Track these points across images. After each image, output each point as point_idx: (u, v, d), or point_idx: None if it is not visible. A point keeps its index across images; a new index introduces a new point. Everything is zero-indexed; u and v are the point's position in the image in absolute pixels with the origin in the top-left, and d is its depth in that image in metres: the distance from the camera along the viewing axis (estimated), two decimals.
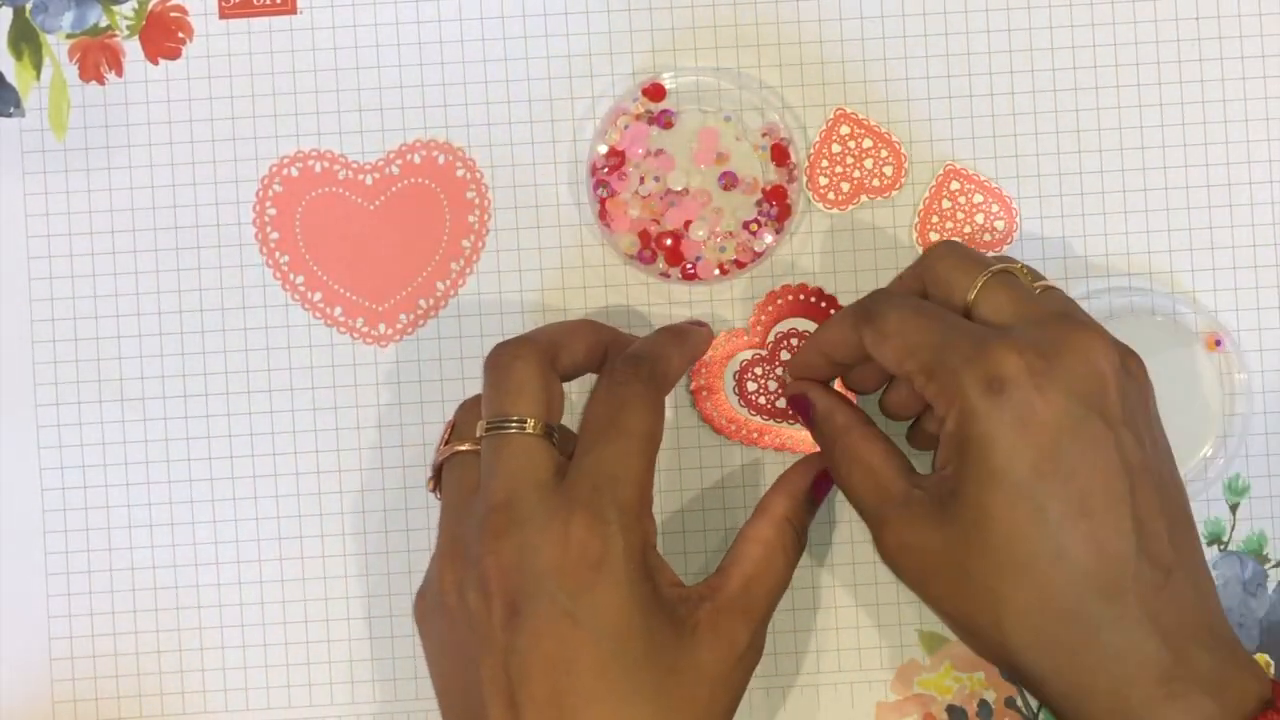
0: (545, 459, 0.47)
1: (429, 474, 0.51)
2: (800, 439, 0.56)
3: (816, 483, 0.51)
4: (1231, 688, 0.44)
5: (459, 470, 0.49)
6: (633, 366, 0.49)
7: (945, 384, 0.46)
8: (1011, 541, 0.44)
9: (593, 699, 0.44)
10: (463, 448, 0.49)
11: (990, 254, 0.53)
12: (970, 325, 0.47)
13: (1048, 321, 0.46)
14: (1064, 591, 0.44)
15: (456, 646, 0.47)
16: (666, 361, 0.50)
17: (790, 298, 0.56)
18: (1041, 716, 0.56)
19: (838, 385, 0.54)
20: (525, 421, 0.47)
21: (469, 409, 0.50)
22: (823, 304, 0.56)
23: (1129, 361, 0.47)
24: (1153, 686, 0.44)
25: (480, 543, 0.46)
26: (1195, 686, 0.44)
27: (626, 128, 0.56)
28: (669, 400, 0.56)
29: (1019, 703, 0.56)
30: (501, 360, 0.49)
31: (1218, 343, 0.56)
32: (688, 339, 0.53)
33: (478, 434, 0.48)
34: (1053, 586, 0.44)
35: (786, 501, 0.50)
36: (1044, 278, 0.50)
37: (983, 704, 0.56)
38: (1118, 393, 0.45)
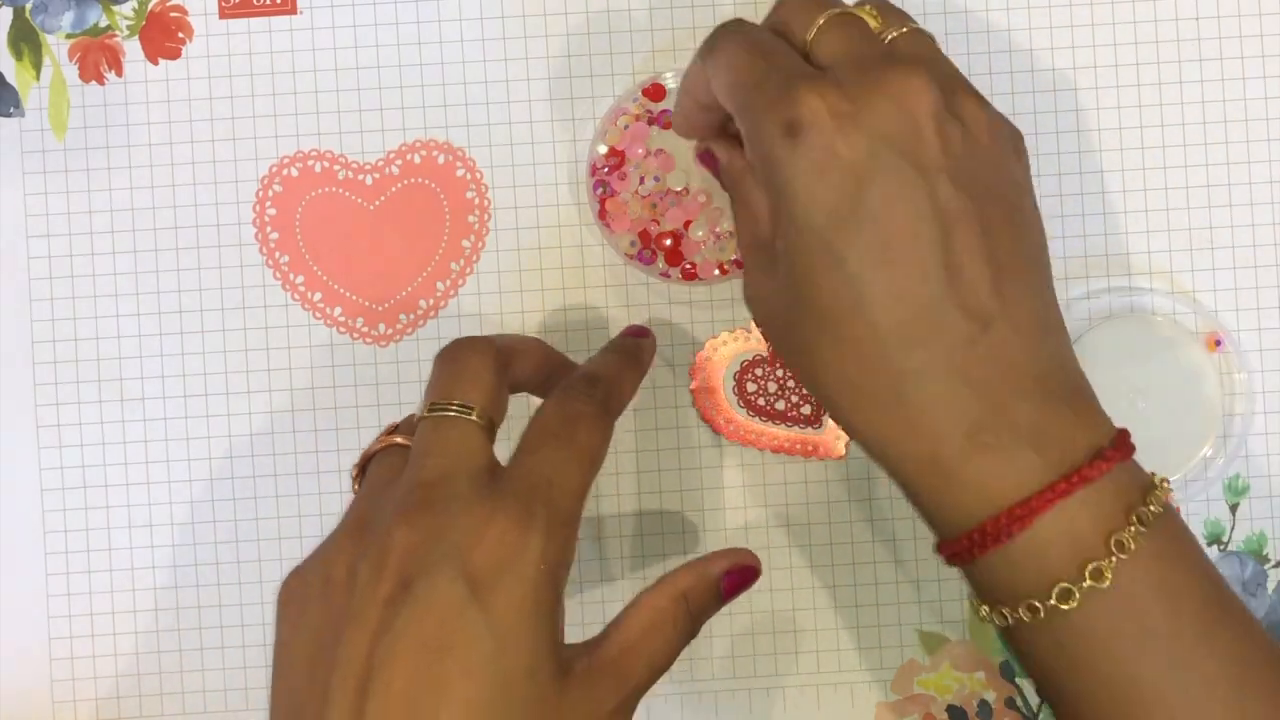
0: (483, 450, 0.45)
1: (355, 470, 0.48)
2: (800, 440, 0.56)
3: (729, 574, 0.47)
4: (1057, 439, 0.42)
5: (387, 462, 0.46)
6: (588, 386, 0.47)
7: (749, 127, 0.44)
8: (815, 293, 0.43)
9: (450, 702, 0.41)
10: (400, 440, 0.47)
11: None
12: (790, 65, 0.44)
13: (869, 62, 0.44)
14: (867, 343, 0.42)
15: (319, 629, 0.43)
16: (620, 387, 0.49)
17: None
18: (1041, 716, 0.56)
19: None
20: (470, 409, 0.45)
21: (413, 418, 0.48)
22: None
23: (960, 105, 0.44)
24: (962, 439, 0.42)
25: (394, 516, 0.43)
26: (1011, 438, 0.42)
27: (626, 128, 0.56)
28: (668, 400, 0.56)
29: (1019, 703, 0.56)
30: (457, 352, 0.47)
31: (1218, 343, 0.56)
32: (639, 360, 0.52)
33: (416, 417, 0.46)
34: (857, 338, 0.43)
35: (691, 579, 0.46)
36: (912, 23, 0.46)
37: (983, 704, 0.56)
38: (935, 135, 0.43)
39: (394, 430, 0.48)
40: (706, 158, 0.50)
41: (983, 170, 0.44)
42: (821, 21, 0.45)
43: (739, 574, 0.47)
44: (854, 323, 0.43)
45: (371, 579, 0.42)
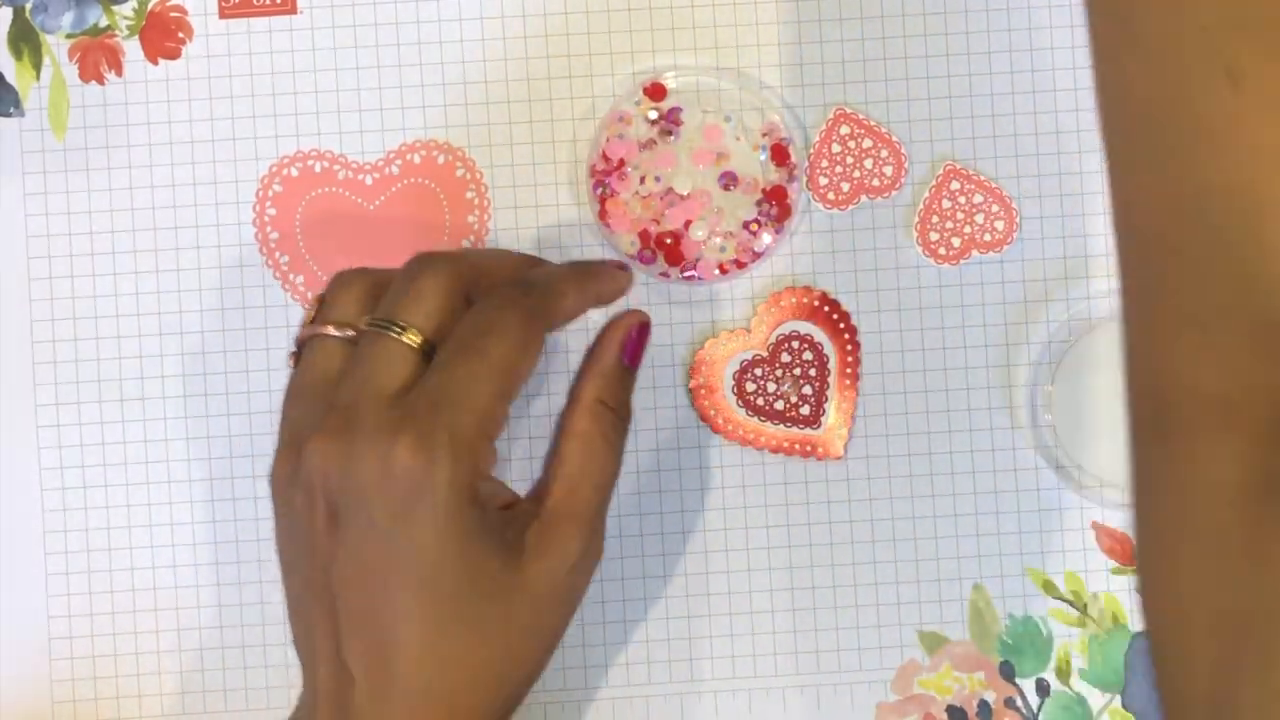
0: (407, 371, 0.45)
1: (290, 357, 0.49)
2: (799, 440, 0.56)
3: (625, 347, 0.49)
4: None
5: (319, 355, 0.47)
6: (518, 291, 0.46)
7: None
8: None
9: (407, 619, 0.43)
10: (330, 331, 0.47)
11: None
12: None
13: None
14: None
15: (291, 541, 0.46)
16: (559, 297, 0.47)
17: (795, 300, 0.56)
18: (1041, 716, 0.56)
19: None
20: (407, 330, 0.45)
21: (344, 286, 0.48)
22: (826, 308, 0.56)
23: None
24: None
25: (313, 438, 0.44)
26: None
27: (627, 128, 0.56)
28: (668, 400, 0.56)
29: (1019, 703, 0.56)
30: (414, 268, 0.47)
31: None
32: (594, 279, 0.50)
33: (361, 324, 0.46)
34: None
35: (597, 381, 0.48)
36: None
37: (983, 704, 0.56)
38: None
39: (319, 312, 0.48)
40: None
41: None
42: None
43: (635, 341, 0.49)
44: None
45: (306, 504, 0.44)
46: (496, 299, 0.46)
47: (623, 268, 0.52)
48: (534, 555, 0.45)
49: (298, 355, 0.48)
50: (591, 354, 0.49)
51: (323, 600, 0.44)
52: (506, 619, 0.44)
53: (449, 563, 0.43)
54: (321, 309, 0.48)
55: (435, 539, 0.43)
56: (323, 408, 0.45)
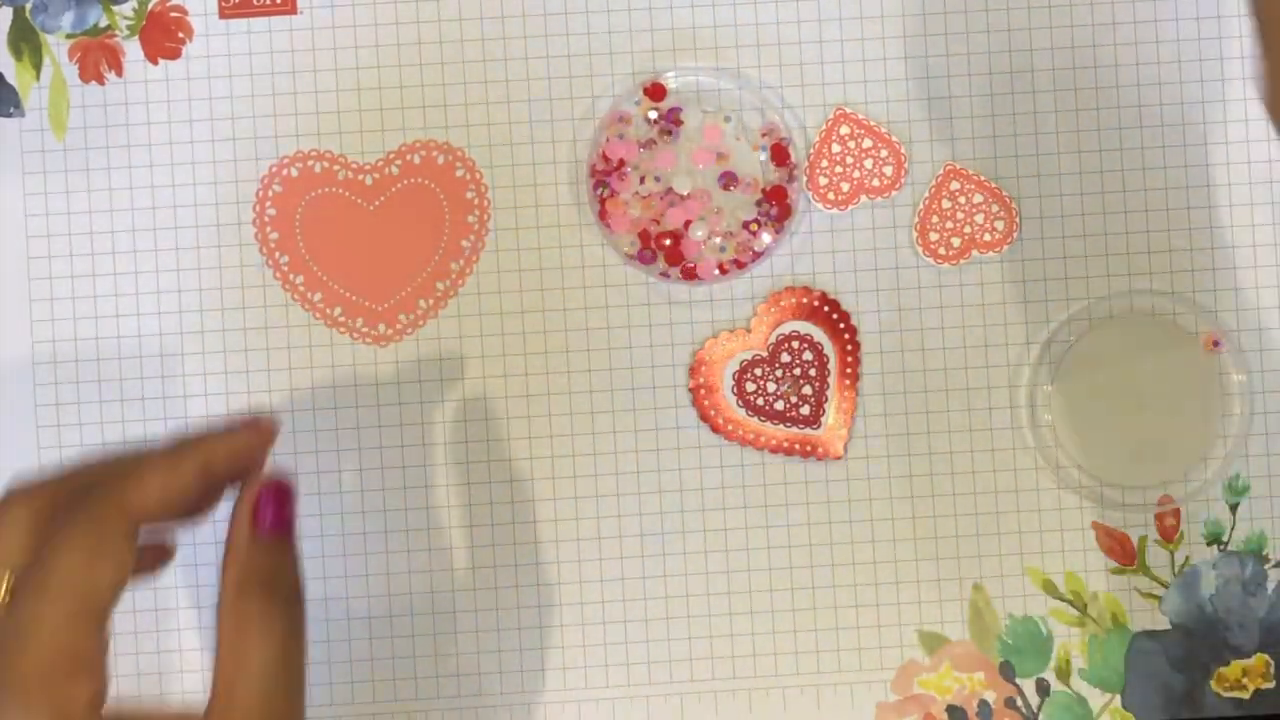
0: None
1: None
2: (800, 440, 0.56)
3: (255, 516, 0.41)
4: None
5: None
6: (80, 499, 0.40)
7: None
8: None
9: None
10: None
11: None
12: None
13: None
14: None
15: None
16: (136, 486, 0.40)
17: (795, 300, 0.56)
18: (1041, 717, 0.56)
19: None
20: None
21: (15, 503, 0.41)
22: (826, 308, 0.56)
23: None
24: None
25: None
26: None
27: (627, 128, 0.56)
28: (668, 400, 0.56)
29: (1019, 703, 0.56)
30: None
31: (1216, 343, 0.56)
32: (192, 451, 0.42)
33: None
34: None
35: (231, 562, 0.41)
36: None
37: (982, 704, 0.56)
38: None
39: None
40: None
41: None
42: None
43: (271, 504, 0.42)
44: None
45: None
46: (60, 517, 0.39)
47: (254, 423, 0.43)
48: None
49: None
50: (229, 529, 0.42)
51: None
52: None
53: None
54: None
55: None
56: None
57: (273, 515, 0.42)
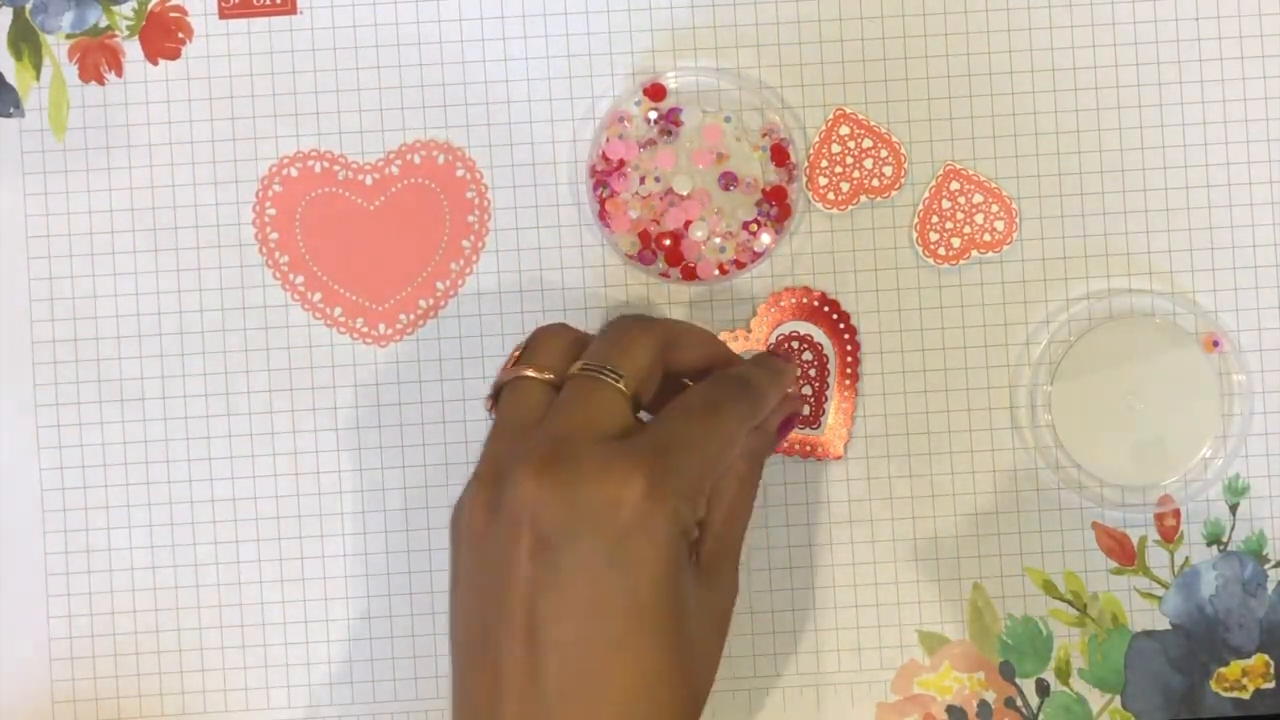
0: (623, 417, 0.46)
1: (489, 391, 0.49)
2: (800, 440, 0.56)
3: (783, 424, 0.52)
4: None
5: (522, 395, 0.47)
6: (739, 387, 0.48)
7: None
8: None
9: (620, 647, 0.43)
10: (531, 374, 0.48)
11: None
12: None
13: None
14: None
15: (477, 573, 0.45)
16: (765, 398, 0.49)
17: (794, 300, 0.56)
18: (1041, 717, 0.56)
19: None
20: (623, 378, 0.46)
21: (548, 337, 0.49)
22: (826, 308, 0.56)
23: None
24: None
25: (524, 467, 0.44)
26: None
27: (627, 128, 0.56)
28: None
29: (1019, 703, 0.56)
30: (624, 324, 0.49)
31: (1215, 344, 0.56)
32: (782, 379, 0.51)
33: (570, 370, 0.47)
34: None
35: (759, 435, 0.50)
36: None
37: (982, 704, 0.56)
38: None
39: (520, 358, 0.49)
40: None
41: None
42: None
43: (788, 422, 0.52)
44: None
45: (510, 532, 0.44)
46: (725, 382, 0.48)
47: (790, 361, 0.55)
48: (708, 580, 0.47)
49: (495, 399, 0.49)
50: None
51: (519, 632, 0.43)
52: (695, 646, 0.45)
53: (664, 595, 0.44)
54: (523, 355, 0.49)
55: (655, 573, 0.44)
56: (530, 445, 0.45)
57: (788, 430, 0.52)
